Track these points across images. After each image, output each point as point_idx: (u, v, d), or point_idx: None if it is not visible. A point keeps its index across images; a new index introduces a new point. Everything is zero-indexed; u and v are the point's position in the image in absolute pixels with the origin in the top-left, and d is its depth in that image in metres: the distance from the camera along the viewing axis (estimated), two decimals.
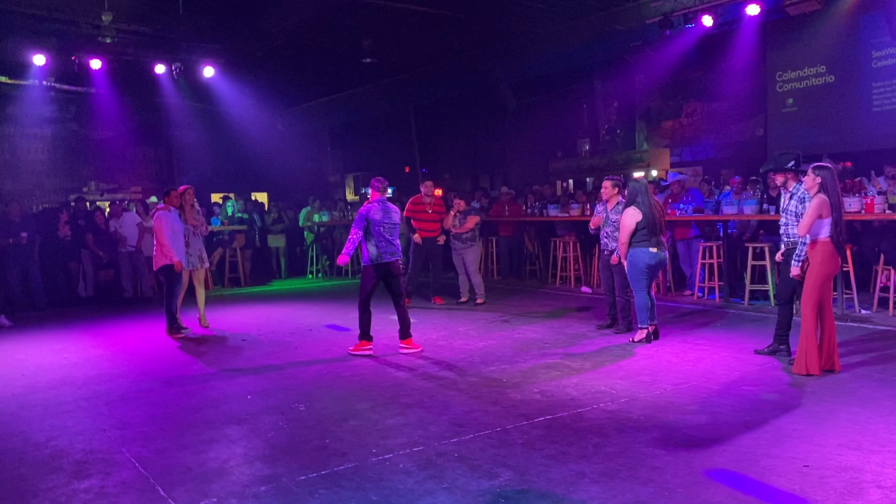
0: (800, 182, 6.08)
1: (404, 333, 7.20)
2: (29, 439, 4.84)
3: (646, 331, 7.18)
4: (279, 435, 4.76)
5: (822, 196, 5.64)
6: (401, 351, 7.15)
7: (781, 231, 6.25)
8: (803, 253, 5.87)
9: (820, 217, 5.64)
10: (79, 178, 17.41)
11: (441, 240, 10.26)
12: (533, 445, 4.37)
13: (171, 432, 4.90)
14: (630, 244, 7.07)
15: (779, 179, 6.31)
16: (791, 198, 6.13)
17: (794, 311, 6.36)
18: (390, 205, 7.24)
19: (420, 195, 10.29)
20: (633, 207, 7.05)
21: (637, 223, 6.97)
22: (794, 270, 5.92)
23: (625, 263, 7.19)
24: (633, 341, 7.19)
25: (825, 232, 5.69)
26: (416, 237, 10.20)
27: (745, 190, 10.12)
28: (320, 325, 8.50)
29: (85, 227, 11.66)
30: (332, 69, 15.78)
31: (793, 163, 6.16)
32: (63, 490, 3.97)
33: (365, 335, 7.12)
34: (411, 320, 7.42)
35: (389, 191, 8.37)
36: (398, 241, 7.19)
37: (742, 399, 5.26)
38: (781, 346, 6.38)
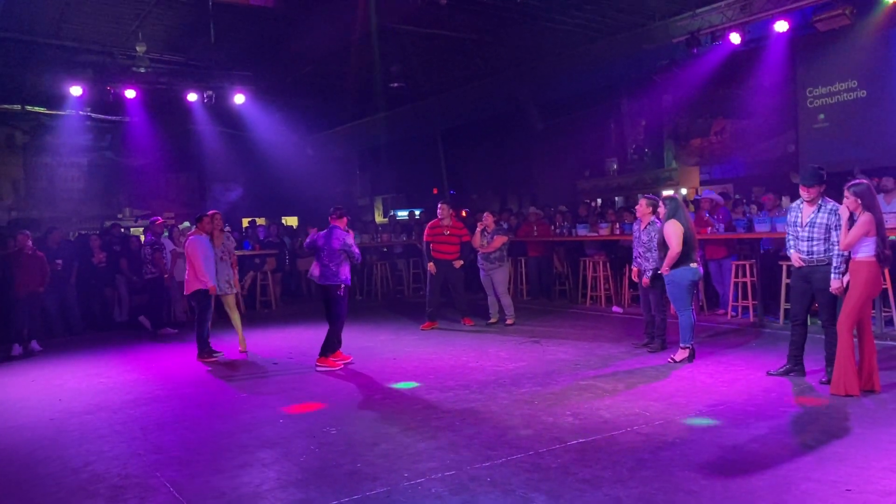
0: (824, 199, 5.98)
1: (322, 351, 7.71)
2: (66, 464, 4.91)
3: (688, 350, 7.10)
4: (311, 459, 4.77)
5: (869, 214, 5.52)
6: (316, 367, 7.67)
7: (803, 248, 6.05)
8: (842, 266, 5.75)
9: (866, 234, 5.53)
10: (114, 205, 17.80)
11: (458, 264, 10.15)
12: (567, 469, 4.32)
13: (205, 456, 4.94)
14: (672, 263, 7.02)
15: (812, 193, 6.04)
16: (819, 210, 5.97)
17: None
18: (336, 231, 7.73)
19: (437, 219, 10.28)
20: (674, 220, 6.99)
21: (683, 235, 6.92)
22: (836, 284, 5.78)
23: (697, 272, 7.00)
24: (673, 361, 7.09)
25: (869, 250, 5.55)
26: (431, 266, 10.12)
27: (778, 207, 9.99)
28: (350, 347, 8.52)
29: (120, 252, 11.86)
30: (360, 94, 16.00)
31: (824, 176, 6.08)
32: None
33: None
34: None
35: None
36: (338, 269, 7.63)
37: (780, 421, 5.16)
38: (795, 367, 6.28)
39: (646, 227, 7.74)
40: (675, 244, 6.93)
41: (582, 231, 11.62)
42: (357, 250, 7.72)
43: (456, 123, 18.18)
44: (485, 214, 10.35)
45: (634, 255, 7.97)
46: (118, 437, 5.50)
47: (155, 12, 11.31)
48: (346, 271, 7.70)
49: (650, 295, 7.78)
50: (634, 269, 8.02)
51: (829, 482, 3.94)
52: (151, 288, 10.91)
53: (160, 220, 11.44)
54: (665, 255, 7.05)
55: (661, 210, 7.21)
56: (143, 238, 12.51)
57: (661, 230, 7.10)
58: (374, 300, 14.23)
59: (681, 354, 7.13)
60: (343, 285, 7.68)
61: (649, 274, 7.59)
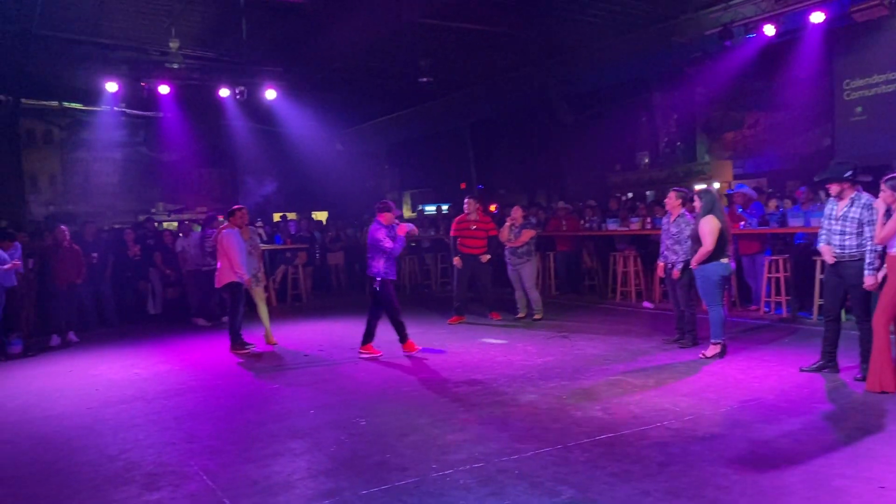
0: (858, 192, 5.87)
1: (400, 339, 7.97)
2: (103, 452, 5.03)
3: (719, 346, 7.03)
4: (341, 449, 4.82)
5: None
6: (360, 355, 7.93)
7: (836, 242, 5.96)
8: (876, 262, 5.64)
9: None
10: (147, 200, 18.09)
11: (485, 258, 10.18)
12: (595, 463, 4.32)
13: (237, 446, 5.02)
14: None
15: (834, 189, 5.99)
16: (852, 204, 5.85)
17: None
18: (372, 225, 7.93)
19: (464, 214, 10.31)
20: (712, 216, 6.92)
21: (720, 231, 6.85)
22: (870, 280, 5.68)
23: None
24: (704, 356, 7.02)
25: None
26: (456, 261, 10.16)
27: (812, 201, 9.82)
28: (379, 340, 8.59)
29: (154, 246, 12.07)
30: (389, 89, 16.04)
31: (850, 172, 5.92)
32: (135, 501, 4.10)
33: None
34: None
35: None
36: (371, 262, 7.81)
37: (813, 417, 5.09)
38: (829, 363, 6.19)
39: (675, 220, 7.66)
40: (709, 242, 6.86)
41: (612, 225, 11.53)
42: (387, 244, 7.67)
43: (484, 117, 18.14)
44: (513, 209, 10.33)
45: (662, 248, 7.88)
46: (153, 427, 5.62)
47: (188, 9, 11.46)
48: (377, 265, 7.75)
49: (677, 289, 7.71)
50: (660, 263, 7.94)
51: (862, 479, 3.89)
52: (210, 280, 11.00)
53: (220, 215, 11.65)
54: (697, 249, 6.98)
55: (697, 203, 7.13)
56: (174, 231, 12.72)
57: (697, 225, 7.02)
58: (402, 294, 14.25)
59: (712, 350, 7.06)
60: (376, 278, 7.76)
61: (679, 266, 7.51)
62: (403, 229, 7.86)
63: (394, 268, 7.88)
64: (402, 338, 7.92)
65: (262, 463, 4.62)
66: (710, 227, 6.88)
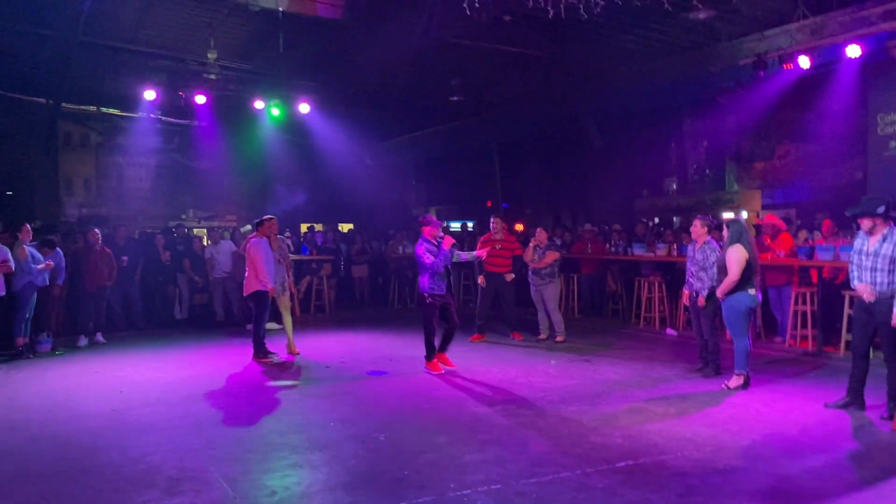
0: (891, 228, 5.81)
1: (426, 355, 8.00)
2: (126, 454, 5.10)
3: (743, 377, 6.96)
4: (360, 463, 4.85)
5: None
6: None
7: (867, 278, 5.88)
8: None
9: None
10: (179, 206, 18.35)
11: (509, 277, 10.21)
12: (613, 491, 4.30)
13: (257, 455, 5.07)
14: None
15: (866, 224, 5.92)
16: (884, 240, 5.78)
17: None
18: (417, 242, 7.96)
19: (490, 233, 10.36)
20: (739, 245, 6.87)
21: (746, 261, 6.81)
22: None
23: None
24: (727, 387, 6.95)
25: None
26: (481, 280, 10.19)
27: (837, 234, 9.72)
28: (400, 355, 8.63)
29: (183, 252, 12.24)
30: (420, 106, 16.18)
31: (883, 208, 5.85)
32: None
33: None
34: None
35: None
36: (419, 278, 7.90)
37: (837, 454, 5.02)
38: (855, 400, 6.09)
39: (700, 247, 7.63)
40: (735, 272, 6.81)
41: (638, 250, 11.48)
42: (427, 259, 7.64)
43: (513, 137, 18.20)
44: (538, 230, 10.36)
45: (687, 276, 7.85)
46: (175, 431, 5.69)
47: (228, 21, 11.70)
48: (423, 280, 7.78)
49: (701, 317, 7.65)
50: (685, 292, 7.89)
51: None
52: None
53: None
54: (724, 279, 6.93)
55: (725, 232, 7.09)
56: (206, 241, 12.86)
57: (724, 254, 6.98)
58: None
59: (735, 381, 6.98)
60: (423, 293, 7.79)
61: (705, 293, 7.46)
62: (448, 242, 7.83)
63: (442, 283, 7.76)
64: (429, 356, 7.93)
65: (282, 473, 4.67)
66: (736, 257, 6.83)
